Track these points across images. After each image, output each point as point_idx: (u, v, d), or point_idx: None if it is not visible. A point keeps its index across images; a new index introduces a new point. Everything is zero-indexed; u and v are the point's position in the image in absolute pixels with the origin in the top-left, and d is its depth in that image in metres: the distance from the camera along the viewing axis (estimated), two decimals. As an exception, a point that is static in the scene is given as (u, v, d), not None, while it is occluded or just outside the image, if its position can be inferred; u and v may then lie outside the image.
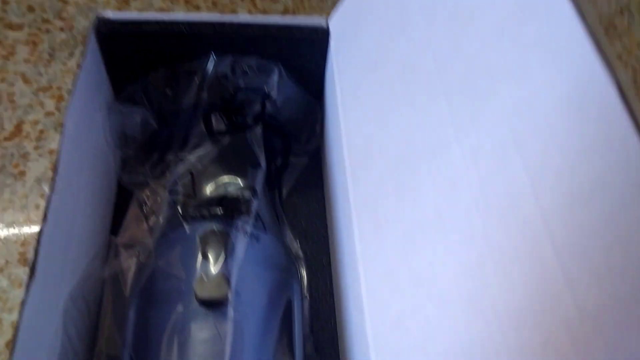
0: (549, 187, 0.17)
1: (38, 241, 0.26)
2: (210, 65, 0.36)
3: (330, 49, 0.36)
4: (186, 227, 0.33)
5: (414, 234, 0.24)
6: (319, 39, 0.36)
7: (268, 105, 0.38)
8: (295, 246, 0.38)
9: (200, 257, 0.31)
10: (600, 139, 0.16)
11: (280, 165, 0.41)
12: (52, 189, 0.28)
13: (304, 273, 0.37)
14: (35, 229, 0.46)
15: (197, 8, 0.55)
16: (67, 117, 0.31)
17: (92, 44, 0.34)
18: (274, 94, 0.37)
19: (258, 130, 0.37)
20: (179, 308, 0.30)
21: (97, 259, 0.34)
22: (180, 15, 0.35)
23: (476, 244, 0.20)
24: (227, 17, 0.36)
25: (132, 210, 0.38)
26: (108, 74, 0.38)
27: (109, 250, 0.36)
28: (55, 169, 0.29)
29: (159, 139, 0.39)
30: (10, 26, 0.59)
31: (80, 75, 0.33)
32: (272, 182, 0.40)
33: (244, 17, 0.36)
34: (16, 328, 0.24)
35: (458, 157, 0.22)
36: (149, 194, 0.39)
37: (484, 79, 0.21)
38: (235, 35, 0.36)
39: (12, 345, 0.24)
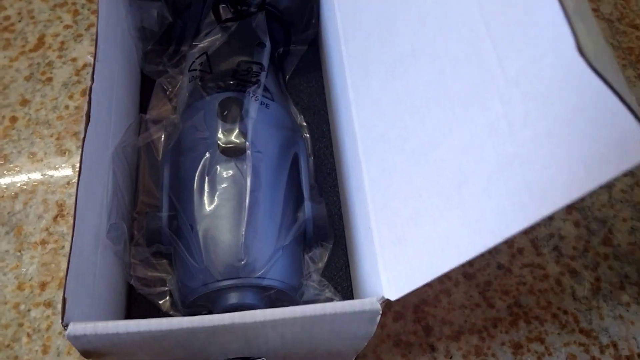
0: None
1: (89, 95, 0.32)
2: (216, -43, 0.41)
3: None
4: (206, 97, 0.39)
5: (394, 68, 0.30)
6: None
7: (269, -6, 0.43)
8: (300, 117, 0.44)
9: (220, 119, 0.37)
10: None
11: (282, 52, 0.47)
12: (95, 57, 0.34)
13: (308, 137, 0.43)
14: (63, 127, 0.52)
15: None
16: (100, 4, 0.36)
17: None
18: (273, -17, 0.42)
19: (261, 16, 0.42)
20: (206, 156, 0.36)
21: (131, 130, 0.40)
22: None
23: (439, 59, 0.26)
24: None
25: (156, 94, 0.44)
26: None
27: (140, 125, 0.42)
28: (95, 42, 0.34)
29: (174, 31, 0.44)
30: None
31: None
32: (276, 67, 0.46)
33: None
34: (80, 160, 0.31)
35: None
36: (169, 79, 0.45)
37: None
38: None
39: (78, 173, 0.31)
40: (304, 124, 0.44)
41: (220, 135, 0.37)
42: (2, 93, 0.54)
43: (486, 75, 0.23)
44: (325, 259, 0.39)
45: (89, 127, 0.31)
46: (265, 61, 0.41)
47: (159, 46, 0.45)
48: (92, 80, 0.33)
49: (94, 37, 0.57)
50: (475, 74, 0.23)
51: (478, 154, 0.23)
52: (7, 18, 0.59)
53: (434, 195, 0.25)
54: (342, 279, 0.39)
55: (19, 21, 0.59)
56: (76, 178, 0.50)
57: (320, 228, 0.37)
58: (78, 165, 0.50)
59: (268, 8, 0.43)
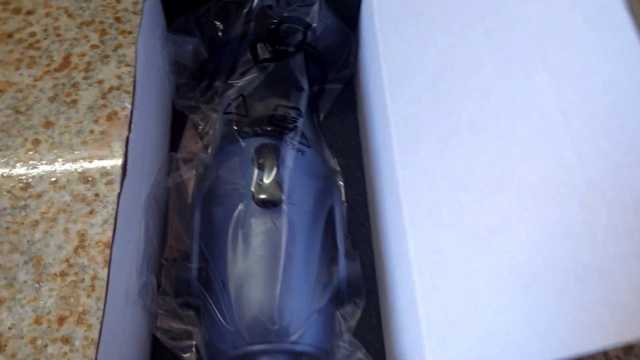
0: (569, 87, 0.22)
1: (126, 146, 0.31)
2: (257, -3, 0.40)
3: (367, -19, 0.40)
4: (241, 142, 0.37)
5: (449, 138, 0.28)
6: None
7: (308, 35, 0.41)
8: (333, 162, 0.43)
9: (255, 166, 0.36)
10: (612, 48, 0.20)
11: (317, 91, 0.45)
12: (132, 104, 0.33)
13: (342, 184, 0.42)
14: (87, 153, 0.51)
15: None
16: (139, 45, 0.34)
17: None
18: (314, 24, 0.41)
19: (300, 57, 0.41)
20: (240, 207, 0.35)
21: (162, 171, 0.39)
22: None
23: (504, 140, 0.25)
24: (274, -50, 0.39)
25: (188, 131, 0.43)
26: (162, 6, 0.41)
27: (171, 164, 0.41)
28: (133, 87, 0.33)
29: (209, 66, 0.43)
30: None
31: (144, 8, 0.36)
32: (311, 106, 0.44)
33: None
34: (115, 215, 0.29)
35: (491, 71, 0.26)
36: (201, 116, 0.44)
37: (516, 2, 0.25)
38: (280, -32, 0.39)
39: (113, 226, 0.29)
40: (338, 168, 0.43)
41: (255, 185, 0.35)
42: (25, 114, 0.53)
43: (562, 171, 0.21)
44: (358, 317, 0.37)
45: (125, 181, 0.29)
46: (302, 106, 0.39)
47: (192, 80, 0.44)
48: (129, 129, 0.31)
49: (122, 59, 0.56)
50: (549, 167, 0.22)
51: (550, 255, 0.21)
52: (32, 35, 0.58)
53: (496, 288, 0.24)
54: (374, 339, 0.37)
55: (45, 38, 0.58)
56: (98, 207, 0.49)
57: (354, 286, 0.36)
58: (101, 194, 0.49)
59: (307, 48, 0.42)
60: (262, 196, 0.35)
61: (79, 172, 0.51)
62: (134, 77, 0.33)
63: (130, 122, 0.32)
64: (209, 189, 0.37)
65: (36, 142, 0.51)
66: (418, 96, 0.31)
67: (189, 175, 0.40)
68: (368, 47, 0.41)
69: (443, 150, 0.28)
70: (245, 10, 0.40)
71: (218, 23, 0.41)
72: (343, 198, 0.41)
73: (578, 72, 0.22)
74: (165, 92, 0.43)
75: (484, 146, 0.26)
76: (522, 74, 0.24)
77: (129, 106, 0.32)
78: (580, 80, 0.21)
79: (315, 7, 0.41)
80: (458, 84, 0.28)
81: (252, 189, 0.35)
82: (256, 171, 0.36)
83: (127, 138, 0.31)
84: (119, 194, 0.29)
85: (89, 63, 0.56)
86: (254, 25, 0.40)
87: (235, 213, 0.35)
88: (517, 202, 0.23)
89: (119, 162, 0.50)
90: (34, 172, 0.50)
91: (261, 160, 0.36)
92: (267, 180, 0.35)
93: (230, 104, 0.40)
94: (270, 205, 0.35)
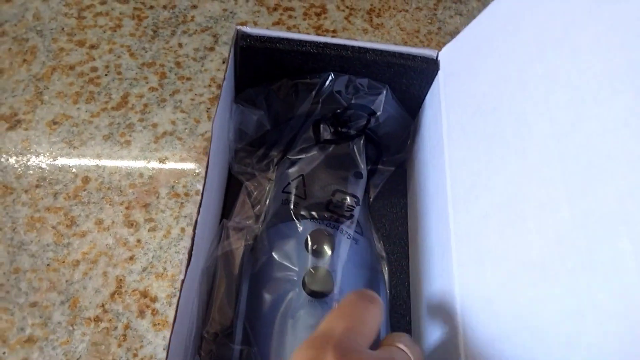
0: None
1: (194, 230, 0.32)
2: (328, 82, 0.41)
3: (437, 79, 0.40)
4: (298, 225, 0.38)
5: (516, 274, 0.28)
6: (427, 69, 0.41)
7: (372, 121, 0.42)
8: (380, 247, 0.43)
9: (309, 252, 0.37)
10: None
11: (369, 171, 0.46)
12: (203, 187, 0.33)
13: (386, 270, 0.42)
14: (135, 197, 0.52)
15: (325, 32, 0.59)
16: (215, 120, 0.35)
17: (232, 54, 0.39)
18: (379, 112, 0.42)
19: (360, 140, 0.42)
20: (290, 295, 0.35)
21: (215, 242, 0.40)
22: (308, 36, 0.39)
23: (578, 297, 0.25)
24: (349, 41, 0.40)
25: (242, 198, 0.44)
26: (234, 77, 0.43)
27: (222, 231, 0.41)
28: (206, 169, 0.34)
29: (269, 137, 0.44)
30: (118, -1, 0.62)
31: (225, 81, 0.37)
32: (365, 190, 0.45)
33: (363, 42, 0.40)
34: (175, 311, 0.30)
35: (566, 218, 0.26)
36: (255, 184, 0.44)
37: (601, 159, 0.26)
38: (353, 58, 0.40)
39: (172, 326, 0.30)
40: (384, 254, 0.43)
41: (308, 273, 0.36)
42: (78, 149, 0.54)
43: (641, 351, 0.21)
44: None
45: (189, 269, 0.30)
46: (360, 194, 0.40)
47: (250, 147, 0.45)
48: (198, 212, 0.32)
49: (177, 105, 0.57)
50: (626, 344, 0.22)
51: None
52: (94, 69, 0.59)
53: None
54: None
55: (106, 75, 0.59)
56: (139, 253, 0.49)
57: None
58: (143, 240, 0.49)
59: (368, 132, 0.43)
60: (314, 286, 0.35)
61: (125, 215, 0.52)
62: (208, 155, 0.34)
63: (200, 205, 0.32)
64: (260, 269, 0.37)
65: (86, 180, 0.52)
66: (485, 216, 0.32)
67: (238, 245, 0.41)
68: (430, 142, 0.41)
69: (509, 283, 0.29)
70: (314, 92, 0.41)
71: (287, 100, 0.42)
72: (387, 288, 0.41)
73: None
74: (226, 158, 0.44)
75: (555, 296, 0.26)
76: (602, 232, 0.25)
77: (201, 188, 0.33)
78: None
79: (382, 97, 0.41)
80: (529, 219, 0.28)
81: (304, 278, 0.35)
82: (310, 257, 0.36)
83: (196, 222, 0.31)
84: (182, 281, 0.30)
85: (145, 105, 0.58)
86: (320, 107, 0.41)
87: (285, 300, 0.35)
88: (587, 365, 0.23)
89: (164, 208, 0.51)
90: (81, 209, 0.51)
91: (315, 247, 0.37)
92: (319, 269, 0.36)
93: (289, 183, 0.40)
94: (321, 295, 0.35)
